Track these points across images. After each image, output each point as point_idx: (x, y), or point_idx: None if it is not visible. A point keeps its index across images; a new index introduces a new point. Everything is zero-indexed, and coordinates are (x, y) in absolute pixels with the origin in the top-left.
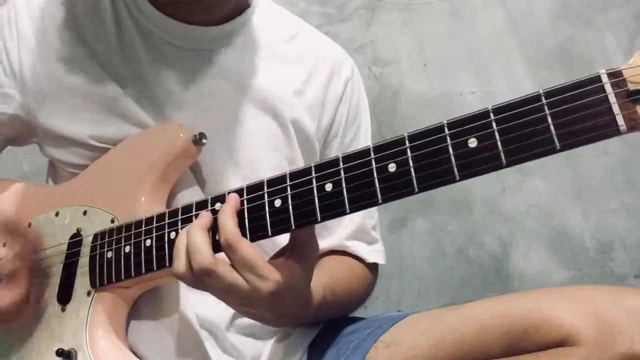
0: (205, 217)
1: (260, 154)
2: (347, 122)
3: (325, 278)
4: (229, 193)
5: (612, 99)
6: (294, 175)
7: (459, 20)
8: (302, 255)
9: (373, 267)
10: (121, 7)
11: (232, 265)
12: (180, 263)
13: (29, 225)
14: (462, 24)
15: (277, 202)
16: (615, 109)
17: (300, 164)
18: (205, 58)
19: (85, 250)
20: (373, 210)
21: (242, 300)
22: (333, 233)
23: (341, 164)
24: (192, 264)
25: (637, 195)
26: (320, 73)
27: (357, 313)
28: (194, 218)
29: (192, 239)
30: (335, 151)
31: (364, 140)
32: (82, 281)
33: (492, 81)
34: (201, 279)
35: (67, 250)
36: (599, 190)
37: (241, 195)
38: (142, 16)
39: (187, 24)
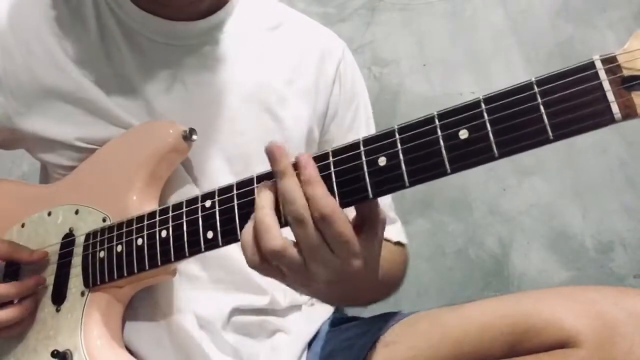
0: (268, 191)
1: (252, 148)
2: (344, 104)
3: None
4: (218, 189)
5: (606, 86)
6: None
7: (459, 20)
8: (375, 230)
9: (401, 246)
10: (103, 7)
11: (324, 240)
12: (250, 253)
13: (23, 225)
14: (462, 24)
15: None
16: (610, 96)
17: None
18: (190, 53)
19: (78, 250)
20: None
21: (306, 281)
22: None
23: (331, 157)
24: (262, 245)
25: (637, 195)
26: (310, 58)
27: (357, 313)
28: (184, 215)
29: (261, 218)
30: (336, 134)
31: (365, 120)
32: (75, 281)
33: (492, 81)
34: (271, 262)
35: (60, 250)
36: (599, 190)
37: (231, 191)
38: (125, 15)
39: (169, 19)
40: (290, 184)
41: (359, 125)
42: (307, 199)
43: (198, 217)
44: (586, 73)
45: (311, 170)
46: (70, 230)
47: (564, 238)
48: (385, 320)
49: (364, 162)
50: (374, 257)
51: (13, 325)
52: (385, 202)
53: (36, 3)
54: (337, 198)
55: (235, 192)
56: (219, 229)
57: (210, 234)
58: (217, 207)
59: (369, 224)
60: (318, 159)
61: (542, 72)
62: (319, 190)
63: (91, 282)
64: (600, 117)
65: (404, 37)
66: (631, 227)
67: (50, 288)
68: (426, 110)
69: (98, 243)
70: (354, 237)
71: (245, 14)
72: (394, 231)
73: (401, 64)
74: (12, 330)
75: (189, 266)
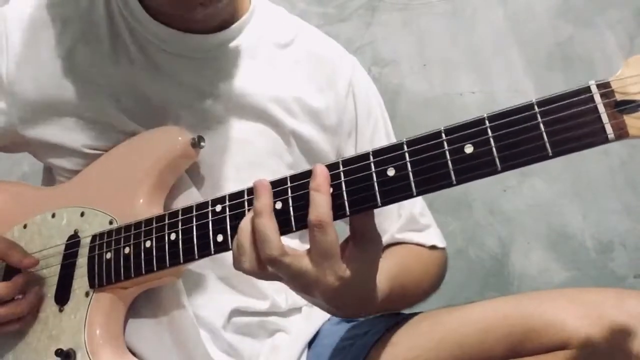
0: (267, 196)
1: (259, 159)
2: (361, 119)
3: (393, 270)
4: (229, 195)
5: (601, 108)
6: (294, 178)
7: (459, 20)
8: (365, 248)
9: (437, 249)
10: (116, 15)
11: (310, 249)
12: (246, 259)
13: (25, 226)
14: (462, 24)
15: (278, 205)
16: (604, 118)
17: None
18: (201, 66)
19: (84, 251)
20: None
21: (304, 287)
22: (382, 233)
23: (341, 167)
24: (260, 254)
25: (637, 195)
26: (320, 75)
27: None
28: (194, 219)
29: (261, 228)
30: (359, 149)
31: (385, 134)
32: (80, 282)
33: (492, 81)
34: (267, 268)
35: (65, 251)
36: (599, 190)
37: (242, 197)
38: (137, 23)
39: (183, 31)
40: (264, 223)
41: (379, 137)
42: (309, 205)
43: (208, 221)
44: (583, 96)
45: (322, 180)
46: (75, 232)
47: (564, 238)
48: (386, 320)
49: (374, 173)
50: (359, 277)
51: (13, 321)
52: (415, 211)
53: (48, 16)
54: (346, 205)
55: (246, 197)
56: (229, 233)
57: (220, 238)
58: (227, 212)
59: (360, 242)
60: (328, 168)
61: (541, 72)
62: (324, 199)
63: (97, 283)
64: (595, 137)
65: (404, 37)
66: (631, 227)
67: (54, 288)
68: (426, 110)
69: (105, 244)
70: (337, 255)
71: (258, 29)
72: (427, 237)
73: (401, 64)
74: (12, 327)
75: (191, 267)
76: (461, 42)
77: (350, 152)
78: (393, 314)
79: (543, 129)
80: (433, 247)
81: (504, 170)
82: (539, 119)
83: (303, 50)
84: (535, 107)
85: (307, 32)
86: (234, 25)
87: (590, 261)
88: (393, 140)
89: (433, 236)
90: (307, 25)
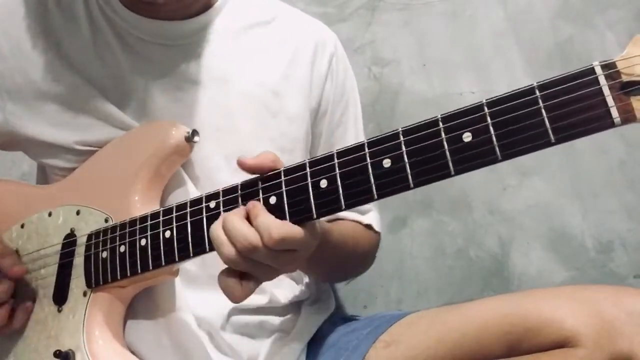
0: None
1: (252, 146)
2: (334, 99)
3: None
4: (222, 190)
5: (606, 91)
6: (289, 171)
7: (459, 20)
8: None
9: (372, 230)
10: (95, 10)
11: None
12: (227, 249)
13: (22, 226)
14: (462, 24)
15: (272, 199)
16: (610, 101)
17: (297, 152)
18: (182, 53)
19: (80, 250)
20: None
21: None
22: None
23: (335, 159)
24: (239, 248)
25: (637, 195)
26: (304, 53)
27: (357, 313)
28: (188, 216)
29: (230, 225)
30: (326, 129)
31: (354, 115)
32: (77, 281)
33: (492, 81)
34: (250, 257)
35: (62, 250)
36: (599, 190)
37: (235, 192)
38: (117, 17)
39: (162, 20)
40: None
41: (347, 119)
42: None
43: (202, 218)
44: (586, 78)
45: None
46: (72, 231)
47: (564, 238)
48: (386, 319)
49: (369, 164)
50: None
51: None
52: None
53: (27, 3)
54: (342, 199)
55: (239, 192)
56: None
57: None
58: (221, 208)
59: None
60: (323, 160)
61: (541, 72)
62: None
63: (94, 282)
64: (600, 121)
65: (404, 37)
66: (631, 227)
67: (52, 288)
68: (426, 110)
69: (100, 243)
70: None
71: (236, 11)
72: (364, 218)
73: (401, 64)
74: (7, 329)
75: (188, 266)
76: (461, 42)
77: (322, 129)
78: (392, 314)
79: (545, 115)
80: (368, 227)
81: (504, 159)
82: (540, 104)
83: (285, 28)
84: (536, 91)
85: (288, 10)
86: (209, 10)
87: (590, 261)
88: (360, 125)
89: (372, 219)
90: (285, 5)
